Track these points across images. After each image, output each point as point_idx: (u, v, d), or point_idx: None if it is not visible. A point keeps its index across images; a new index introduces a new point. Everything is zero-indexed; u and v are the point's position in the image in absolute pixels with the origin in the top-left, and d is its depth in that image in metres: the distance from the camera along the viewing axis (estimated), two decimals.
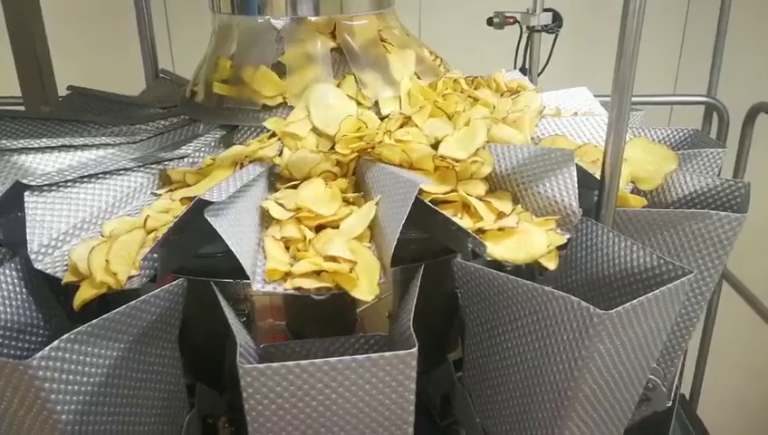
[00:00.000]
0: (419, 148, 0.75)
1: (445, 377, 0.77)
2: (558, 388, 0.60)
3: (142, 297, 0.58)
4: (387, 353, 0.50)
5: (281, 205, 0.70)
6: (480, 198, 0.74)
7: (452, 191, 0.73)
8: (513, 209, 0.73)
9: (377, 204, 0.68)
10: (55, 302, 0.69)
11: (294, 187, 0.74)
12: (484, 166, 0.76)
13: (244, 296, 0.70)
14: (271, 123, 0.83)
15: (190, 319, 0.69)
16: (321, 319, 0.69)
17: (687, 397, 1.71)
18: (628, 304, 0.54)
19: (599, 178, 0.71)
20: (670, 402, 0.82)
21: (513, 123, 0.87)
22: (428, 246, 0.72)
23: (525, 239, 0.69)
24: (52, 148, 0.81)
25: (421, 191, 0.70)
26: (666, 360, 0.80)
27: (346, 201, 0.73)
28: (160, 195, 0.78)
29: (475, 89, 0.97)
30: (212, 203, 0.61)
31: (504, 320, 0.64)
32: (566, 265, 0.74)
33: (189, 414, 0.69)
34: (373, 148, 0.76)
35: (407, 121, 0.83)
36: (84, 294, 0.62)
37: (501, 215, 0.72)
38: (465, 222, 0.71)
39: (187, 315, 0.67)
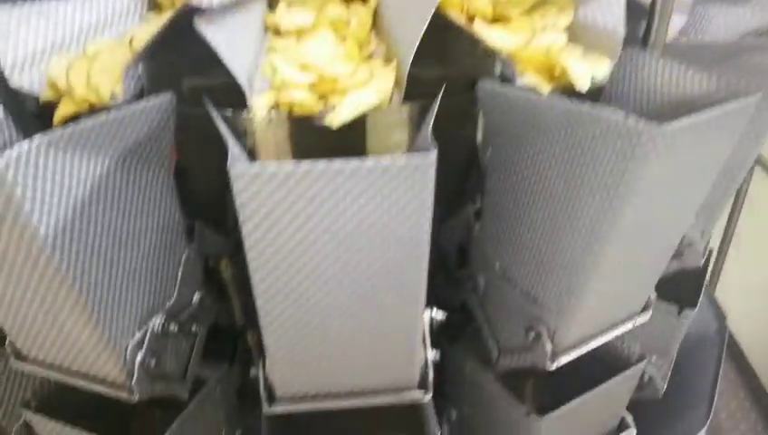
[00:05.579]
0: None
1: (461, 225, 0.71)
2: (590, 223, 0.54)
3: (125, 107, 0.51)
4: (401, 158, 0.42)
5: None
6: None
7: None
8: None
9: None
10: (39, 124, 0.63)
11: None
12: None
13: (244, 131, 0.64)
14: None
15: (190, 161, 0.64)
16: (329, 152, 0.63)
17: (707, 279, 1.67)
18: (684, 119, 0.46)
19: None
20: (704, 261, 0.76)
21: None
22: (449, 86, 0.64)
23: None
24: None
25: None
26: (706, 214, 0.73)
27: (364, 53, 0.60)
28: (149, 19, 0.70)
29: None
30: (202, 11, 0.53)
31: (532, 150, 0.57)
32: (608, 101, 0.66)
33: (188, 250, 0.65)
34: None
35: None
36: (64, 109, 0.55)
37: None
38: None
39: (187, 158, 0.62)
